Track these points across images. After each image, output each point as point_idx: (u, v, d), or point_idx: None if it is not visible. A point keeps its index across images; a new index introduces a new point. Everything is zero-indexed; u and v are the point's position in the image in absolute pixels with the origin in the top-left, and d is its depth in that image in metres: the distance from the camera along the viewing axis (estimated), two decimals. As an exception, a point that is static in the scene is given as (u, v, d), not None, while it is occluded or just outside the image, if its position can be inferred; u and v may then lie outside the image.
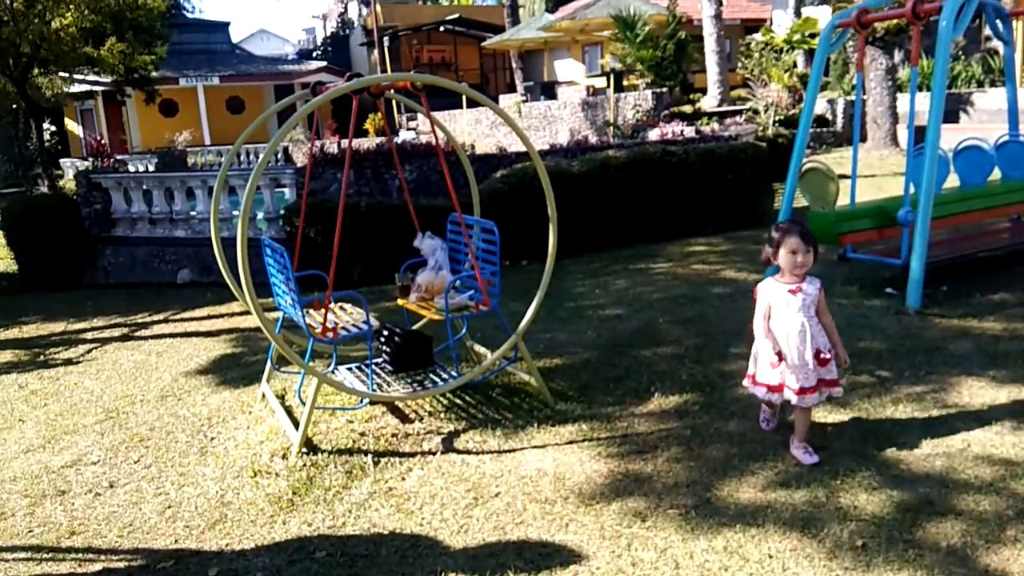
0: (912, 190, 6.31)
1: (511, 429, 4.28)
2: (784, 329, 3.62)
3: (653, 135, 15.16)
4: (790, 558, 2.98)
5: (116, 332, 7.42)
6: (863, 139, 16.20)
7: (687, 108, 19.78)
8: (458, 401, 4.73)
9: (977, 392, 4.29)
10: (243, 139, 5.13)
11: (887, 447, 3.77)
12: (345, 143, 4.84)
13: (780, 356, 3.61)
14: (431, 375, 4.77)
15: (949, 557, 2.90)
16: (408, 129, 28.33)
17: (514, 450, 4.04)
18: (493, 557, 3.10)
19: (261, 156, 4.06)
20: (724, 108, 19.95)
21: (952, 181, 6.97)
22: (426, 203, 8.21)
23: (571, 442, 4.09)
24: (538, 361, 5.17)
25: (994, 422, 3.92)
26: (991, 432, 3.83)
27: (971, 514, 3.16)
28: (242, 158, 22.53)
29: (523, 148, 4.98)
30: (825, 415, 4.18)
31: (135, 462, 4.31)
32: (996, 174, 7.14)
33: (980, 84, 18.31)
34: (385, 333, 4.96)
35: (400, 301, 5.19)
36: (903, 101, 16.77)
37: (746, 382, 3.91)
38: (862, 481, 3.47)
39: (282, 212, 9.07)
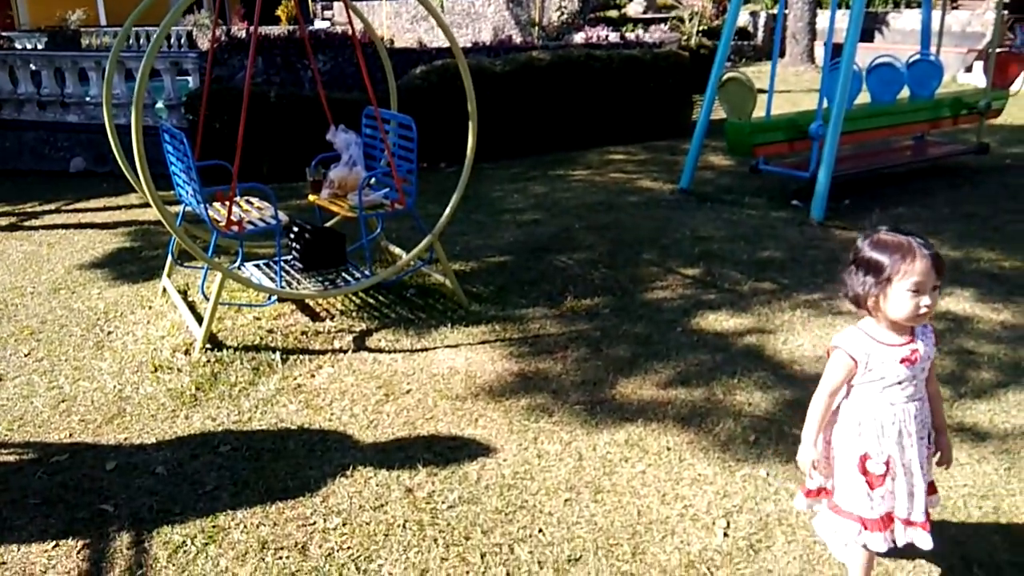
0: (825, 105, 6.43)
1: (424, 329, 4.27)
2: (886, 420, 2.14)
3: (578, 38, 14.85)
4: (687, 450, 3.13)
5: (3, 221, 6.91)
6: (782, 55, 16.36)
7: (613, 13, 19.39)
8: (371, 301, 4.67)
9: (868, 300, 4.52)
10: (135, 16, 4.69)
11: (783, 349, 3.96)
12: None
13: (888, 467, 2.15)
14: (343, 274, 4.67)
15: (831, 450, 3.09)
16: (323, 19, 26.80)
17: (426, 349, 4.04)
18: (402, 451, 3.13)
19: (154, 35, 3.73)
20: (650, 15, 19.66)
21: (864, 98, 7.14)
22: (340, 96, 7.84)
23: (484, 342, 4.12)
24: (454, 263, 5.13)
25: (881, 328, 4.16)
26: (878, 337, 4.06)
27: (854, 411, 3.37)
28: (142, 41, 20.91)
29: (445, 44, 4.77)
30: (727, 318, 4.34)
31: (25, 355, 4.09)
32: (905, 92, 7.35)
33: (896, 4, 18.63)
34: (295, 229, 4.79)
35: (311, 197, 5.01)
36: (822, 18, 16.93)
37: (810, 505, 2.39)
38: (757, 380, 3.65)
39: (184, 99, 8.51)
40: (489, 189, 7.44)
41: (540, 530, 2.66)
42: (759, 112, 6.77)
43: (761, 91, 6.92)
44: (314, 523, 2.72)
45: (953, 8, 17.17)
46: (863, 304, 2.10)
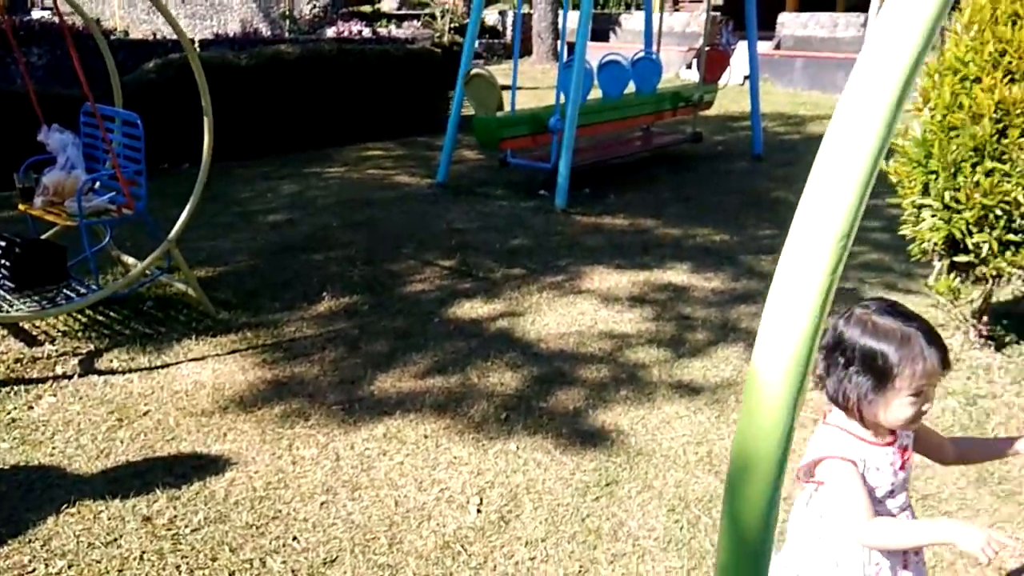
0: (562, 100, 6.88)
1: (165, 344, 3.97)
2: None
3: (330, 33, 14.56)
4: (443, 435, 3.21)
5: None
6: (529, 53, 17.25)
7: (366, 8, 19.23)
8: (101, 318, 4.25)
9: (605, 278, 4.94)
10: None
11: (531, 329, 4.20)
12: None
13: None
14: (65, 290, 4.21)
15: (575, 418, 3.35)
16: (43, 8, 23.80)
17: (168, 365, 3.76)
18: (139, 477, 2.89)
19: None
20: (403, 11, 19.76)
21: (596, 94, 7.72)
22: (58, 93, 7.02)
23: (234, 351, 3.93)
24: (199, 270, 4.83)
25: (616, 303, 4.56)
26: (614, 311, 4.45)
27: (593, 381, 3.67)
28: None
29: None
30: (481, 305, 4.51)
31: None
32: (632, 88, 8.06)
33: (628, 7, 20.38)
34: (2, 244, 4.23)
35: (22, 206, 4.46)
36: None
37: None
38: (508, 361, 3.84)
39: None
40: (238, 189, 7.08)
41: (295, 538, 2.60)
42: (507, 108, 7.09)
43: (508, 88, 7.24)
44: (34, 570, 2.43)
45: (675, 10, 19.12)
46: (848, 406, 1.63)
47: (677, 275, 4.99)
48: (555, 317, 4.35)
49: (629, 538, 2.62)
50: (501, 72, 8.59)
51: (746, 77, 9.26)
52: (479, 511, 2.75)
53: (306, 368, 3.78)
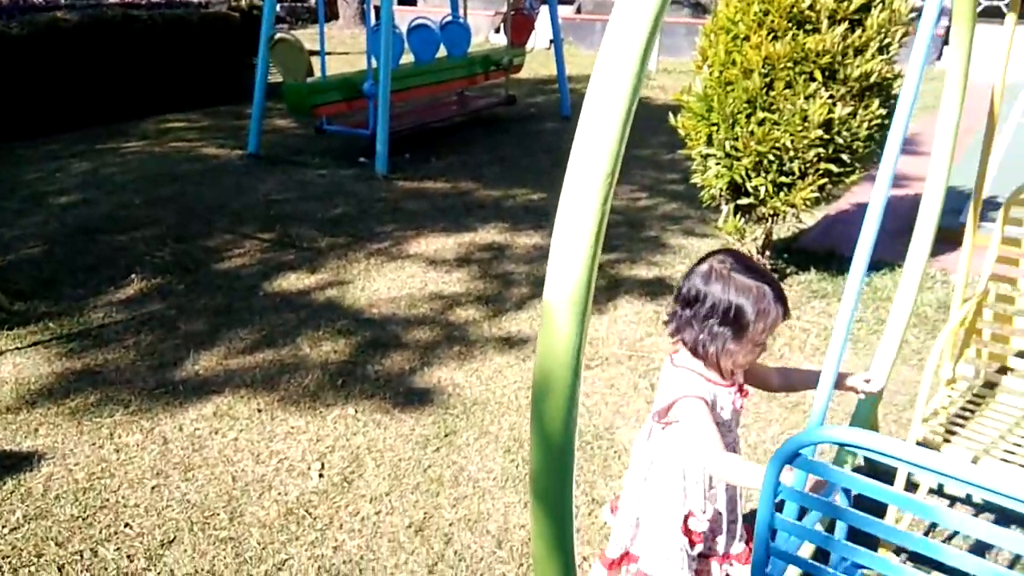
0: (374, 65, 6.81)
1: (-49, 342, 3.61)
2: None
3: (113, -4, 13.30)
4: (278, 407, 3.20)
5: None
6: (336, 17, 16.75)
7: (153, -32, 17.71)
8: None
9: (431, 241, 5.03)
10: None
11: (361, 296, 4.23)
12: None
13: (711, 522, 1.90)
14: None
15: (411, 376, 3.45)
16: None
17: (-42, 364, 3.44)
18: (-61, 485, 2.66)
19: None
20: (196, -28, 18.41)
21: (409, 58, 7.71)
22: None
23: (35, 343, 3.64)
24: (-18, 260, 4.40)
25: (443, 264, 4.68)
26: (441, 272, 4.57)
27: (427, 340, 3.78)
28: None
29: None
30: (307, 276, 4.47)
31: None
32: (444, 52, 8.11)
33: (434, -29, 20.25)
34: None
35: None
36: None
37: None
38: (340, 328, 3.86)
39: None
40: (22, 171, 6.42)
41: (127, 524, 2.52)
42: (317, 74, 6.90)
43: (316, 53, 7.05)
44: None
45: (481, -25, 19.22)
46: (707, 355, 1.76)
47: (499, 234, 5.19)
48: (384, 282, 4.40)
49: (469, 481, 2.78)
50: (307, 37, 8.35)
51: (551, 41, 9.58)
52: (321, 475, 2.79)
53: (120, 354, 3.59)
